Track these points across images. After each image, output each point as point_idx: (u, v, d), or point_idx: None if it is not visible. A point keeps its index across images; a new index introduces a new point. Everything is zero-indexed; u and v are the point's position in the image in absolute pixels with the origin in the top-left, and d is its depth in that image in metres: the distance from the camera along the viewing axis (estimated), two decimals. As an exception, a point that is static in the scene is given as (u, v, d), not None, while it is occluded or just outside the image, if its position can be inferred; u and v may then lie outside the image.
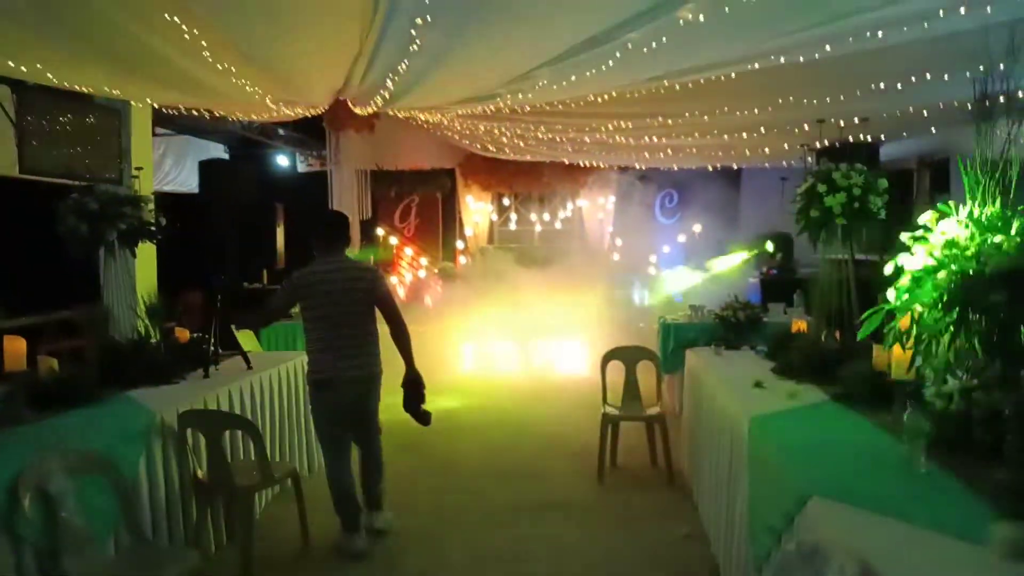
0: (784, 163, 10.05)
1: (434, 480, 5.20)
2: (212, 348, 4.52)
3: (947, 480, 2.32)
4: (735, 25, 3.79)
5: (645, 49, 4.14)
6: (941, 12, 3.84)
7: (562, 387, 8.39)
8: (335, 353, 3.92)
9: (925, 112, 5.58)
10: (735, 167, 11.03)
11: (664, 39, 3.98)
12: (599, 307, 9.69)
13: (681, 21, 3.73)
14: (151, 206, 4.56)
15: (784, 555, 2.10)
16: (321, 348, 3.95)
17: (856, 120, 4.73)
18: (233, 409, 4.25)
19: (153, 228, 4.52)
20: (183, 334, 4.85)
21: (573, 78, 4.94)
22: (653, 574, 3.76)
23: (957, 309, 2.61)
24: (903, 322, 2.90)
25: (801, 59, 4.56)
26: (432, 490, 5.00)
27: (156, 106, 6.41)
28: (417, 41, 4.31)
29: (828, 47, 4.38)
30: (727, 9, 3.49)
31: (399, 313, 4.10)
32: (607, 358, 5.49)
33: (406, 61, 4.86)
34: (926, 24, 3.93)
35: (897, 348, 2.87)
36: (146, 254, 5.98)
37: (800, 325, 4.70)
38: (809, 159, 9.05)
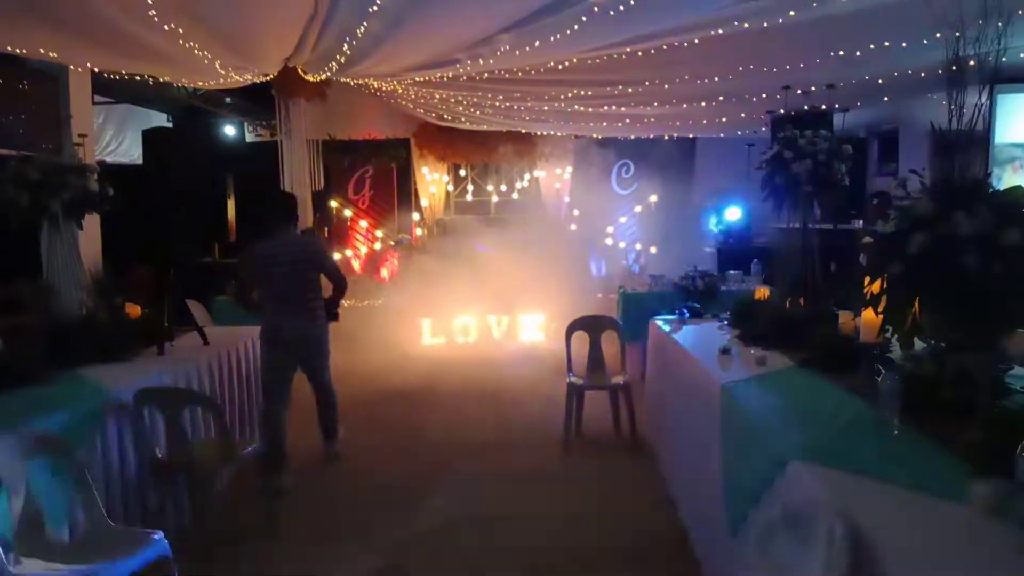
0: (739, 132, 10.13)
1: (400, 453, 5.14)
2: (167, 324, 4.34)
3: (921, 441, 2.36)
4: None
5: (611, 12, 4.07)
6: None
7: (523, 358, 8.37)
8: (283, 315, 4.55)
9: (894, 74, 5.61)
10: (691, 137, 11.08)
11: (631, 2, 3.91)
12: (557, 278, 9.68)
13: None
14: (96, 175, 4.32)
15: (767, 519, 2.11)
16: (272, 311, 4.58)
17: (815, 88, 4.72)
18: (191, 386, 4.10)
19: (99, 199, 4.29)
20: (134, 310, 4.65)
21: (537, 43, 4.84)
22: (622, 540, 3.78)
23: (925, 273, 2.63)
24: (874, 286, 2.93)
25: (765, 24, 4.54)
26: (399, 463, 4.94)
27: (96, 71, 6.08)
28: (377, 2, 4.15)
29: (792, 13, 4.36)
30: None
31: (341, 274, 4.85)
32: (572, 328, 5.47)
33: (364, 23, 4.69)
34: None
35: (868, 312, 2.90)
36: (90, 227, 5.70)
37: (763, 292, 4.75)
38: (763, 128, 9.15)
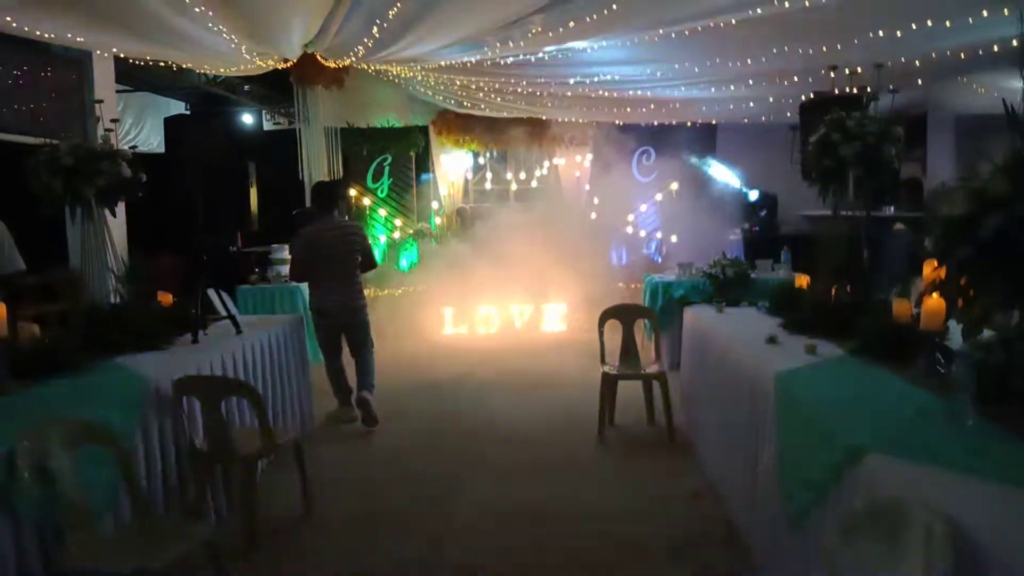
0: (763, 118, 9.99)
1: (432, 446, 5.08)
2: (200, 312, 4.29)
3: (998, 432, 2.27)
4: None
5: (654, -8, 3.97)
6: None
7: (547, 347, 8.31)
8: (330, 289, 5.33)
9: (932, 55, 5.48)
10: (712, 123, 10.94)
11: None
12: (579, 267, 9.60)
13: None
14: (128, 161, 4.26)
15: (847, 514, 2.03)
16: (320, 286, 5.38)
17: (861, 69, 4.59)
18: (226, 374, 4.05)
19: (133, 185, 4.24)
20: (166, 298, 4.61)
21: (571, 24, 4.74)
22: (666, 531, 3.71)
23: (998, 257, 2.53)
24: (939, 271, 2.83)
25: (807, 3, 4.42)
26: (431, 455, 4.88)
27: (121, 56, 6.01)
28: (414, -19, 4.07)
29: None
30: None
31: (374, 258, 5.75)
32: (604, 317, 5.39)
33: (397, 4, 4.59)
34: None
35: (931, 298, 2.80)
36: (116, 215, 5.67)
37: (803, 280, 4.65)
38: (788, 114, 9.00)
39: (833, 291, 4.03)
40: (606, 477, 4.47)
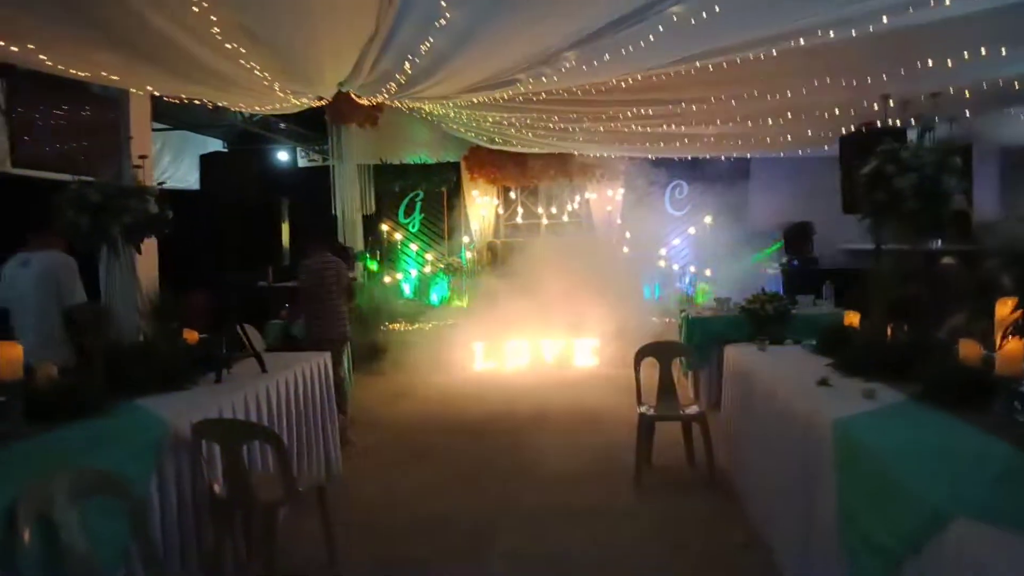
0: (800, 152, 9.76)
1: (464, 488, 4.87)
2: (224, 350, 4.18)
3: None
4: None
5: (693, 21, 3.82)
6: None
7: (579, 383, 8.09)
8: (320, 320, 5.97)
9: (983, 86, 5.25)
10: (746, 156, 10.74)
11: (717, 8, 3.66)
12: (611, 301, 9.40)
13: (738, -13, 3.42)
14: (155, 198, 4.20)
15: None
16: (312, 316, 6.02)
17: (911, 100, 4.40)
18: (249, 416, 3.91)
19: (159, 221, 4.17)
20: (192, 335, 4.51)
21: (606, 57, 4.62)
22: (712, 587, 3.45)
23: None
24: (1010, 312, 2.60)
25: (854, 33, 4.24)
26: (461, 499, 4.68)
27: (156, 95, 6.05)
28: (446, 14, 3.98)
29: (885, 19, 4.06)
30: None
31: (353, 290, 6.65)
32: (641, 354, 5.17)
33: (430, 39, 4.53)
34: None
35: (1009, 341, 2.57)
36: (147, 251, 5.64)
37: (853, 318, 4.40)
38: (826, 147, 8.78)
39: (889, 330, 3.78)
40: (645, 524, 4.21)
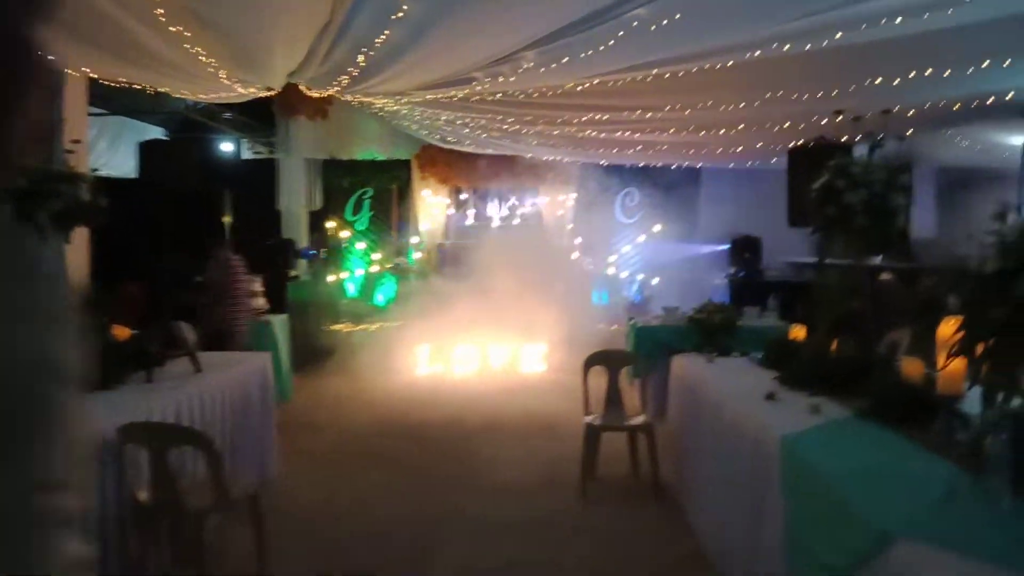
0: (749, 163, 9.93)
1: (407, 497, 4.74)
2: (158, 348, 3.97)
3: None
4: (761, 2, 3.47)
5: (653, 27, 3.80)
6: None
7: (525, 388, 8.02)
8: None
9: (925, 106, 5.38)
10: (698, 166, 10.87)
11: (677, 15, 3.64)
12: (559, 307, 9.38)
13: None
14: (88, 185, 3.98)
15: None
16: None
17: (870, 114, 4.47)
18: (180, 419, 3.72)
19: (91, 210, 3.95)
20: (122, 332, 4.28)
21: (565, 59, 4.57)
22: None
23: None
24: (954, 332, 2.62)
25: (808, 47, 4.29)
26: (403, 507, 4.55)
27: (94, 77, 5.76)
28: (404, 7, 3.86)
29: (839, 34, 4.11)
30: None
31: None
32: (589, 363, 5.13)
33: (386, 32, 4.40)
34: (951, 11, 3.69)
35: (955, 362, 2.58)
36: (78, 241, 5.35)
37: (798, 332, 4.44)
38: (774, 160, 8.94)
39: (835, 345, 3.82)
40: (589, 537, 4.16)
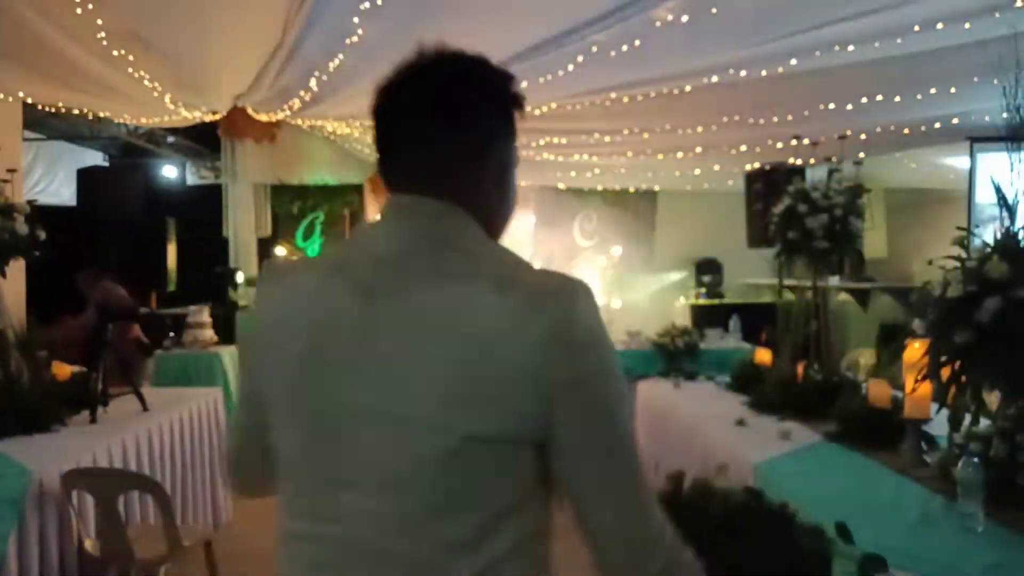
0: (706, 185, 10.05)
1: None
2: (101, 387, 3.76)
3: (1013, 541, 2.03)
4: (718, 29, 3.50)
5: (612, 53, 3.80)
6: (916, 28, 3.70)
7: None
8: None
9: (876, 130, 5.52)
10: (654, 189, 10.98)
11: (636, 43, 3.64)
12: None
13: (658, 23, 3.41)
14: (25, 216, 3.77)
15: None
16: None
17: (825, 138, 4.56)
18: (127, 462, 3.52)
19: (28, 242, 3.73)
20: (62, 370, 4.05)
21: (524, 84, 4.51)
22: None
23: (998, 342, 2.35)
24: (921, 355, 2.64)
25: (764, 72, 4.35)
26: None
27: (29, 101, 5.51)
28: (359, 31, 3.78)
29: (793, 61, 4.18)
30: (714, 10, 3.19)
31: None
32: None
33: (340, 56, 4.30)
34: (899, 40, 3.78)
35: (917, 384, 2.60)
36: (14, 274, 5.08)
37: (763, 356, 4.44)
38: (730, 182, 9.08)
39: (800, 369, 3.83)
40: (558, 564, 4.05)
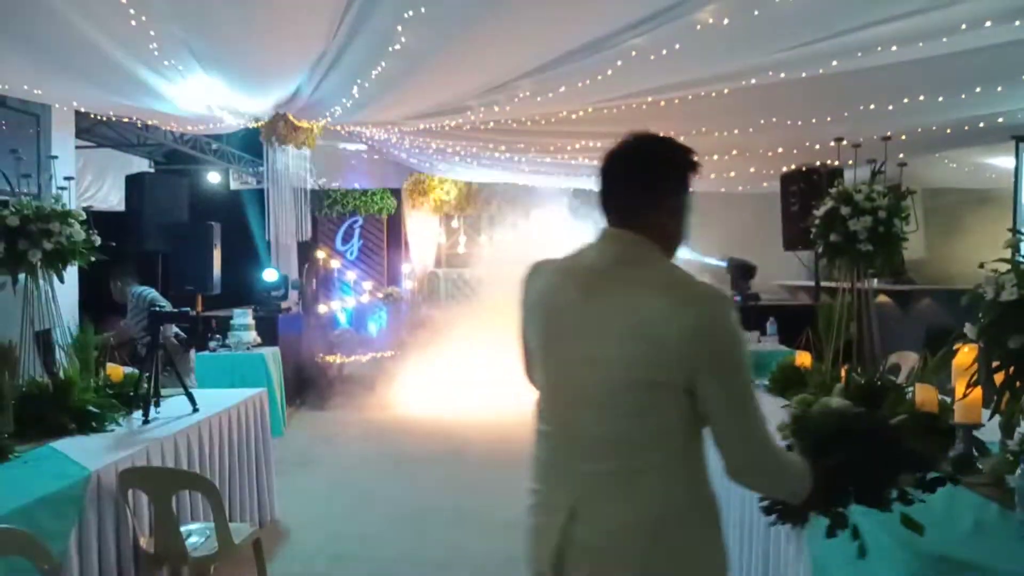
0: (740, 188, 9.97)
1: (407, 535, 4.63)
2: (153, 387, 3.88)
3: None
4: (758, 31, 3.49)
5: (652, 56, 3.80)
6: (963, 26, 3.64)
7: (525, 419, 7.91)
8: None
9: (918, 130, 5.43)
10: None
11: (676, 46, 3.64)
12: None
13: (699, 26, 3.41)
14: (81, 222, 3.90)
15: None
16: None
17: (864, 141, 4.49)
18: (179, 460, 3.62)
19: (85, 248, 3.86)
20: (115, 371, 4.18)
21: (562, 88, 4.56)
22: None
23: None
24: (972, 361, 2.60)
25: (803, 74, 4.32)
26: (408, 546, 4.44)
27: (82, 110, 5.69)
28: (402, 39, 3.84)
29: (835, 62, 4.14)
30: (756, 12, 3.18)
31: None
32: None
33: (382, 63, 4.37)
34: (945, 39, 3.73)
35: (974, 391, 2.56)
36: (67, 278, 5.25)
37: (804, 359, 4.40)
38: (765, 184, 9.00)
39: (844, 373, 3.78)
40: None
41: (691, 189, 1.68)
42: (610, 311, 1.52)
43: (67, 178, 4.16)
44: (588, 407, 1.57)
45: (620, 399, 1.53)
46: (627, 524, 1.54)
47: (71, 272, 5.05)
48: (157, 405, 3.99)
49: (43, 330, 3.90)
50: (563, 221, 11.30)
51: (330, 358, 9.32)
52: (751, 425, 1.56)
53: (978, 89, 4.58)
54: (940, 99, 4.80)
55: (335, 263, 11.31)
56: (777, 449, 1.63)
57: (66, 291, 5.07)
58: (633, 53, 3.87)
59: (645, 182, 1.62)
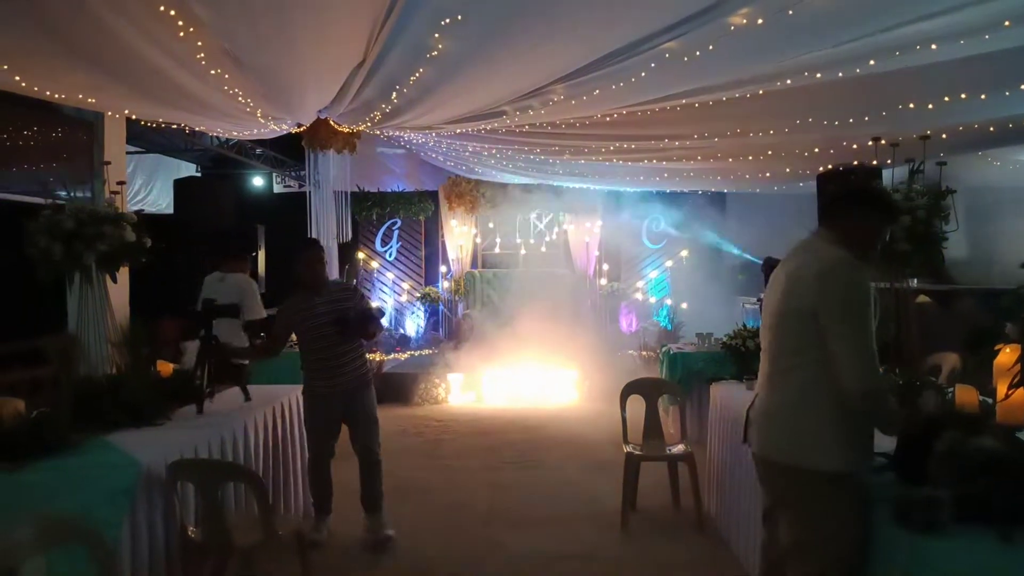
0: (775, 188, 9.87)
1: (442, 531, 4.71)
2: (205, 383, 4.02)
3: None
4: (795, 32, 3.48)
5: (685, 58, 3.82)
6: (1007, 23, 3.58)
7: (560, 417, 7.98)
8: (328, 371, 4.31)
9: (959, 128, 5.33)
10: (724, 191, 10.86)
11: (710, 47, 3.66)
12: (588, 334, 9.40)
13: (732, 27, 3.42)
14: (132, 225, 4.07)
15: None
16: (316, 367, 4.34)
17: (902, 139, 4.44)
18: (225, 453, 3.75)
19: (136, 249, 4.03)
20: (165, 367, 4.35)
21: (596, 92, 4.60)
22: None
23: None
24: (1011, 359, 2.58)
25: (840, 74, 4.28)
26: (441, 542, 4.52)
27: (133, 117, 5.90)
28: (439, 46, 3.92)
29: (872, 62, 4.10)
30: (791, 12, 3.18)
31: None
32: (627, 391, 5.10)
33: (420, 70, 4.46)
34: (987, 36, 3.67)
35: (1018, 392, 2.54)
36: (120, 278, 5.46)
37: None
38: (800, 184, 8.90)
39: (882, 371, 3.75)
40: (631, 570, 4.10)
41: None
42: (791, 272, 2.49)
43: (119, 183, 4.34)
44: (767, 329, 2.60)
45: (779, 321, 2.51)
46: (773, 404, 2.54)
47: (123, 272, 5.26)
48: (211, 398, 4.14)
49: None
50: (595, 223, 11.33)
51: (370, 355, 9.47)
52: (850, 354, 2.28)
53: (1023, 86, 4.49)
54: (983, 96, 4.71)
55: (375, 264, 11.50)
56: (869, 386, 2.31)
57: (117, 290, 5.27)
58: (667, 56, 3.88)
59: (840, 208, 2.57)
